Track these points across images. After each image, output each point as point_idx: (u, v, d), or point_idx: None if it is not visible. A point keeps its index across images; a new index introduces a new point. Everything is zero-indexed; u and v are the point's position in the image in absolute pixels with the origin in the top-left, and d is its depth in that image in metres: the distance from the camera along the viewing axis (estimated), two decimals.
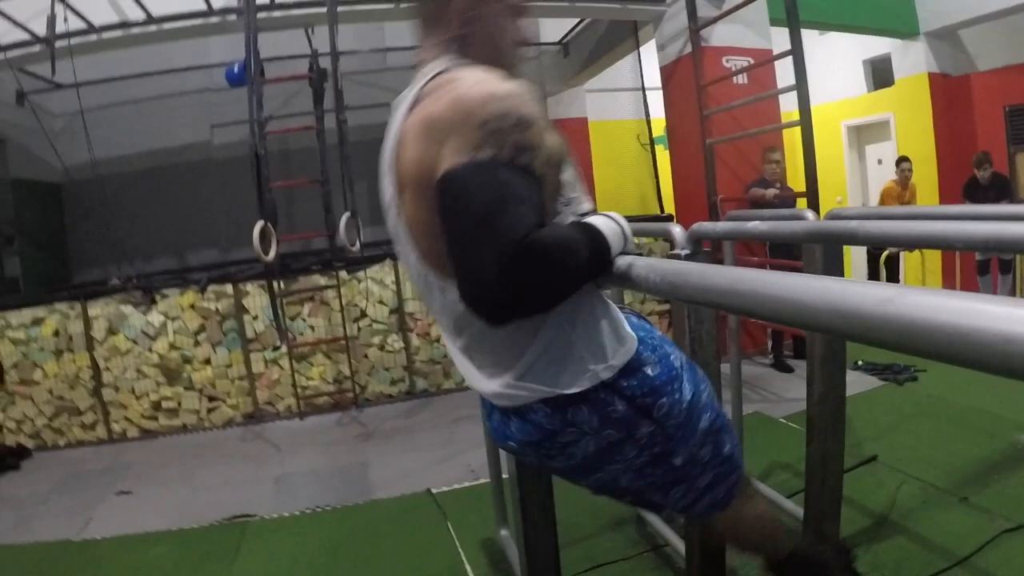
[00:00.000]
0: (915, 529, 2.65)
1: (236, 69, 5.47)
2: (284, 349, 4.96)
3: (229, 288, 4.98)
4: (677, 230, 1.92)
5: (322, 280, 5.12)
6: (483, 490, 3.43)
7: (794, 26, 4.22)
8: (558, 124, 6.74)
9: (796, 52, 4.28)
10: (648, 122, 7.52)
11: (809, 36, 6.57)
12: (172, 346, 4.92)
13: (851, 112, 8.23)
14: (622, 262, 1.05)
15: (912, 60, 7.12)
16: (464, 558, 2.79)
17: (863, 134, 8.48)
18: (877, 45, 7.48)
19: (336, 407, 5.12)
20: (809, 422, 2.49)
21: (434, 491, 3.45)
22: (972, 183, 6.08)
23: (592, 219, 1.07)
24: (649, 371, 1.18)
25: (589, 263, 0.99)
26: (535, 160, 0.97)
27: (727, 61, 5.29)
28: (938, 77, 6.99)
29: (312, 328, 5.12)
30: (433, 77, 1.07)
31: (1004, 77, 6.68)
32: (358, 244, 4.67)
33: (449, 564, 2.76)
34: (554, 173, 1.04)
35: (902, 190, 6.34)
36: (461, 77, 1.03)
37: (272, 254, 4.17)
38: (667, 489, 1.26)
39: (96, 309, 4.83)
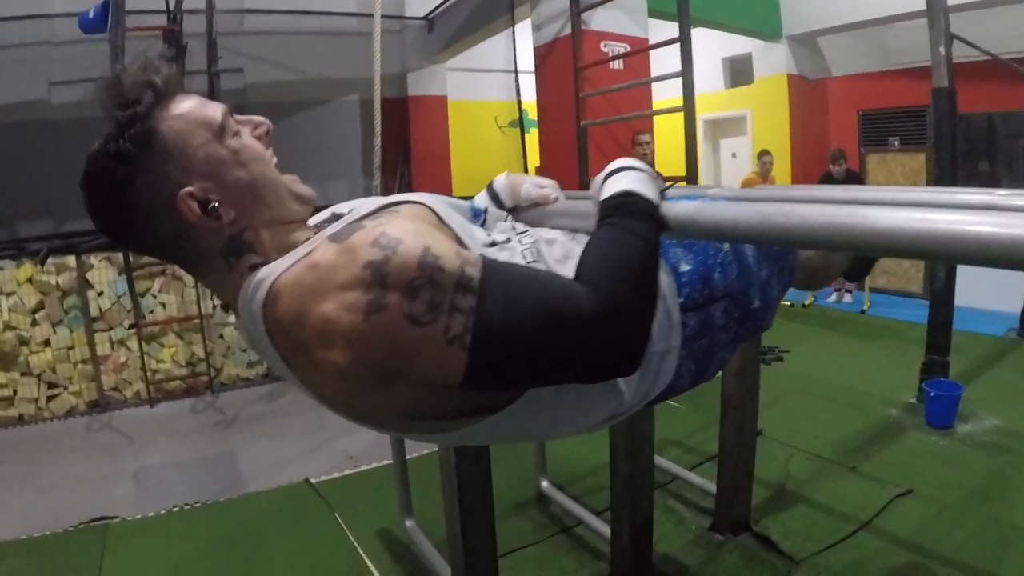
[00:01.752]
0: (815, 497, 2.74)
1: (92, 14, 4.82)
2: (131, 329, 4.44)
3: (72, 260, 4.38)
4: None
5: None
6: (366, 478, 3.23)
7: (684, 14, 4.29)
8: (414, 102, 6.49)
9: (684, 40, 4.35)
10: (519, 103, 7.51)
11: (672, 30, 6.80)
12: (7, 326, 4.25)
13: (708, 107, 8.61)
14: (678, 212, 0.90)
15: (773, 61, 7.53)
16: (362, 552, 2.56)
17: (719, 128, 8.92)
18: (738, 45, 7.84)
19: (189, 392, 4.67)
20: (724, 398, 2.49)
21: (313, 481, 3.19)
22: (827, 178, 6.50)
23: (617, 185, 0.89)
24: (684, 267, 1.05)
25: (649, 243, 0.83)
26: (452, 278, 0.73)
27: (605, 46, 5.32)
28: (796, 78, 7.44)
29: (163, 305, 4.62)
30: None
31: (858, 83, 7.23)
32: None
33: (346, 560, 2.52)
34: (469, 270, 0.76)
35: (763, 181, 6.67)
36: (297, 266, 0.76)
37: None
38: (760, 315, 1.17)
39: None
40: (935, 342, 3.69)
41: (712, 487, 2.61)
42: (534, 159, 6.55)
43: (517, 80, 7.55)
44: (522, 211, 1.13)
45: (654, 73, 5.17)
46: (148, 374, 4.52)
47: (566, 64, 5.19)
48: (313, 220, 0.96)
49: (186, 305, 4.64)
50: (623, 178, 0.90)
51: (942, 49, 3.24)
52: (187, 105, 0.81)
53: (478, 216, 0.99)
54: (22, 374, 4.30)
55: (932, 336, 3.71)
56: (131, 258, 4.27)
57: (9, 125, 6.31)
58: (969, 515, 2.54)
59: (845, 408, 3.71)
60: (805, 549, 2.36)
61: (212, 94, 4.28)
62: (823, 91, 7.55)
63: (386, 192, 3.72)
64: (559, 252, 0.97)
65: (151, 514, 2.94)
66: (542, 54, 5.65)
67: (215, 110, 0.83)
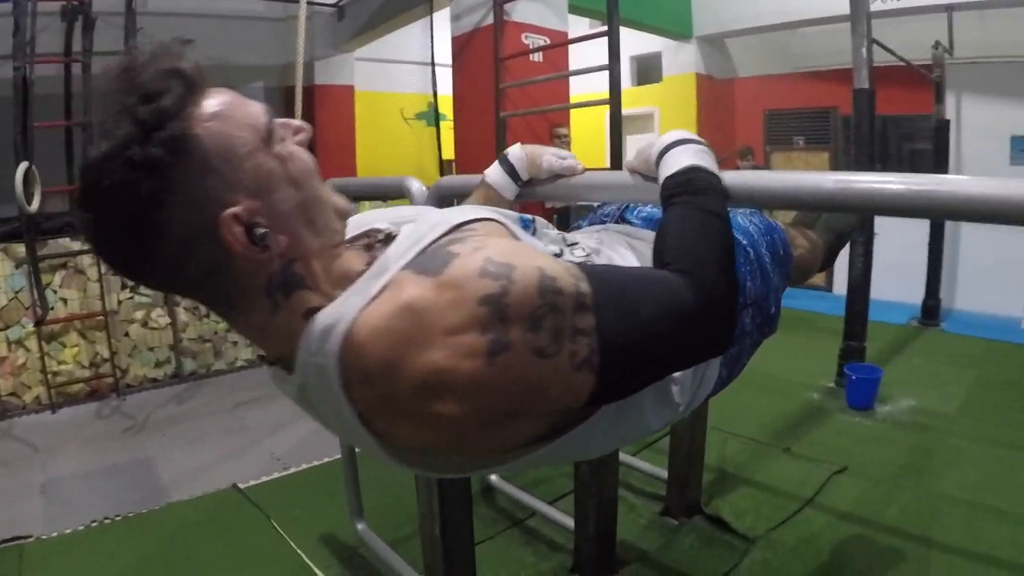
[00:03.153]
0: (756, 479, 2.83)
1: None
2: (31, 327, 4.06)
3: None
4: (415, 185, 1.71)
5: (76, 244, 4.28)
6: (298, 481, 3.09)
7: (614, 10, 4.33)
8: (320, 90, 6.27)
9: (613, 33, 4.38)
10: (435, 94, 7.46)
11: (583, 26, 6.89)
12: None
13: None
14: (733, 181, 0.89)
15: (682, 60, 7.77)
16: (307, 559, 2.42)
17: (626, 124, 9.12)
18: (647, 44, 8.04)
19: (93, 395, 4.33)
20: None
21: (242, 486, 3.00)
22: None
23: (679, 160, 0.85)
24: None
25: (723, 219, 0.80)
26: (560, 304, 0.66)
27: (526, 38, 5.34)
28: (705, 78, 7.70)
29: (64, 301, 4.26)
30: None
31: (764, 84, 7.58)
32: None
33: (291, 569, 2.38)
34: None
35: None
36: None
37: (35, 204, 3.38)
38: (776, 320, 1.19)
39: None
40: (852, 329, 3.88)
41: (661, 472, 2.63)
42: (448, 152, 6.51)
43: (434, 72, 7.47)
44: (540, 184, 1.08)
45: (572, 68, 5.22)
46: (49, 376, 4.14)
47: (485, 55, 5.15)
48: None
49: (89, 301, 4.29)
50: (684, 152, 0.87)
51: (864, 52, 3.40)
52: (226, 102, 0.65)
53: (527, 226, 0.88)
54: None
55: (849, 323, 3.90)
56: (35, 249, 3.90)
57: None
58: (901, 488, 2.69)
59: (771, 394, 3.85)
60: (757, 528, 2.43)
61: None
62: (731, 91, 7.85)
63: None
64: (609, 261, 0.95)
65: (68, 531, 2.67)
66: (461, 43, 5.59)
67: (258, 109, 0.68)
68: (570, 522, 2.26)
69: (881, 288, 5.27)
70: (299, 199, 0.67)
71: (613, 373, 0.66)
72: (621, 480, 2.84)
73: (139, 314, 4.54)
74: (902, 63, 4.89)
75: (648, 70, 8.51)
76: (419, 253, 0.67)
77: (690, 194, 0.81)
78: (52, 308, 4.16)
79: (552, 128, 5.20)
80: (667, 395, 0.90)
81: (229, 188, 0.62)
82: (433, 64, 7.51)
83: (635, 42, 8.05)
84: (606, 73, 4.24)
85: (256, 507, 2.82)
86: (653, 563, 2.30)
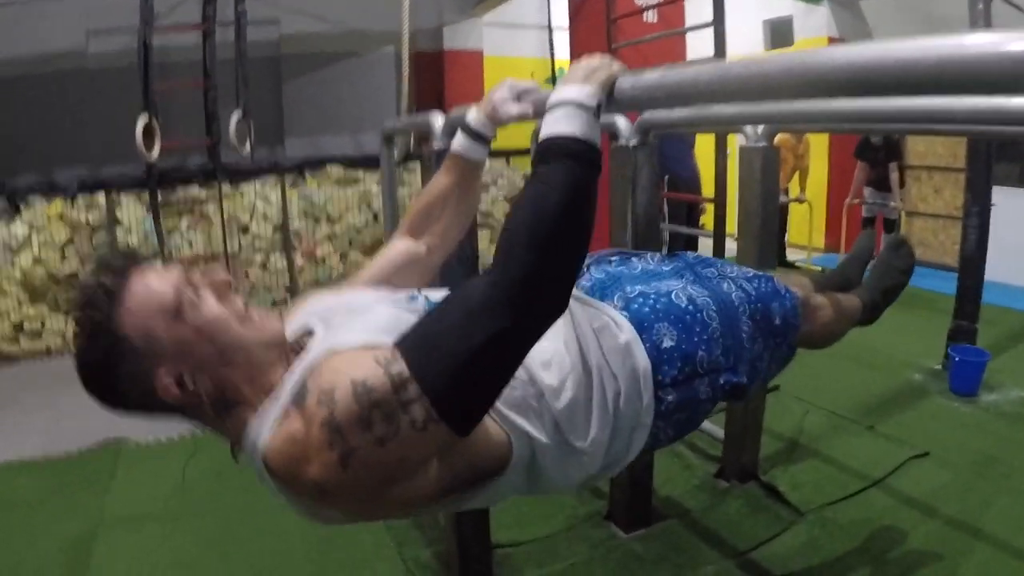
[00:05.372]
0: (827, 453, 2.70)
1: None
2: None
3: (101, 198, 4.45)
4: (623, 121, 1.77)
5: (203, 192, 4.69)
6: None
7: None
8: (450, 56, 6.38)
9: None
10: (552, 60, 7.43)
11: None
12: (36, 261, 4.34)
13: None
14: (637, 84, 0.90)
15: (814, 23, 7.32)
16: None
17: None
18: (779, 7, 7.63)
19: None
20: None
21: None
22: (864, 143, 6.30)
23: (547, 126, 0.88)
24: (667, 343, 1.05)
25: (563, 188, 0.82)
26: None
27: None
28: (838, 41, 7.20)
29: (191, 243, 4.69)
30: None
31: None
32: (248, 147, 4.38)
33: None
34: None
35: (796, 142, 6.51)
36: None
37: (156, 153, 3.74)
38: (744, 390, 1.17)
39: None
40: (963, 307, 3.58)
41: (720, 433, 2.58)
42: None
43: (551, 36, 7.45)
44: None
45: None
46: None
47: (599, 16, 5.11)
48: (292, 324, 0.98)
49: (213, 243, 4.71)
50: (551, 117, 0.89)
51: (980, 6, 3.10)
52: (139, 294, 0.83)
53: (415, 299, 1.01)
54: (51, 309, 4.41)
55: (960, 301, 3.60)
56: (158, 197, 4.33)
57: (50, 74, 6.37)
58: (984, 481, 2.48)
59: (868, 369, 3.63)
60: (812, 501, 2.34)
61: (239, 41, 4.27)
62: None
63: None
64: None
65: (163, 439, 3.03)
66: (575, 6, 5.58)
67: (166, 287, 0.84)
68: None
69: (1010, 272, 4.82)
70: (215, 351, 0.85)
71: (456, 410, 0.77)
72: (684, 439, 2.82)
73: (258, 257, 4.91)
74: None
75: (781, 34, 8.08)
76: (299, 383, 0.81)
77: (537, 168, 0.86)
78: (179, 249, 4.60)
79: None
80: (572, 456, 0.96)
81: (156, 360, 0.82)
82: (550, 27, 7.49)
83: (767, 5, 7.70)
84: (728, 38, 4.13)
85: None
86: (691, 521, 2.28)
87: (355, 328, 0.88)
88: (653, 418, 1.03)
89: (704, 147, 5.01)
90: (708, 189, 4.52)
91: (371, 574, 2.11)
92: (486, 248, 5.26)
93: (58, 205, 4.39)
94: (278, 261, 4.98)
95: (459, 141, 1.15)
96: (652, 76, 0.88)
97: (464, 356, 0.75)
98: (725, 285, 1.19)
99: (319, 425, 0.75)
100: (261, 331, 0.89)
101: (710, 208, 4.36)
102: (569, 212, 0.80)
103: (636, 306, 1.08)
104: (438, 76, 7.97)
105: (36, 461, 2.88)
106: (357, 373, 0.76)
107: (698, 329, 1.08)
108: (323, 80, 7.07)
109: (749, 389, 1.17)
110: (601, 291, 1.15)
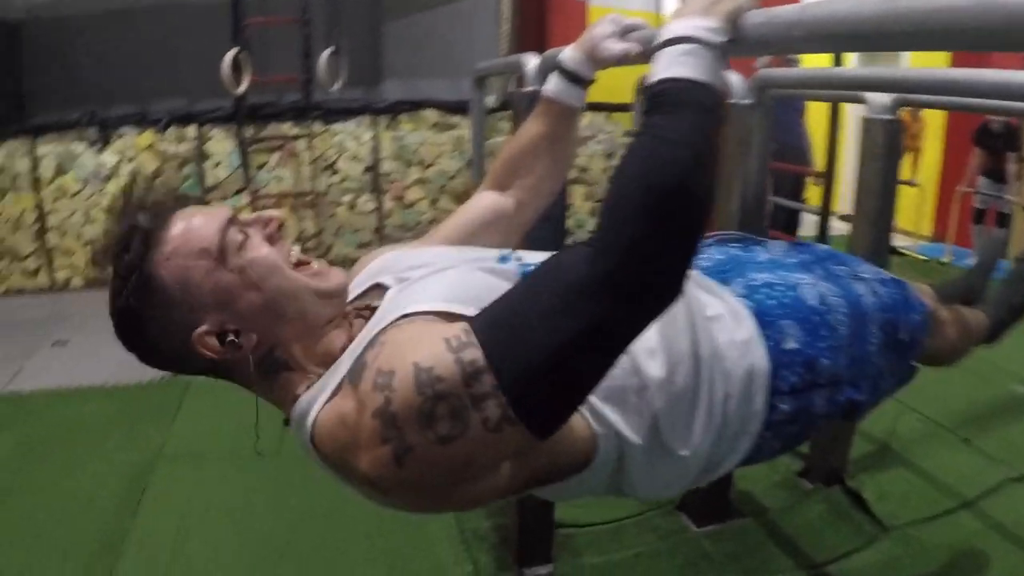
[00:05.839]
0: (919, 463, 2.50)
1: None
2: (244, 200, 4.57)
3: (192, 131, 4.55)
4: (735, 77, 1.60)
5: (293, 130, 4.71)
6: None
7: None
8: (554, 4, 6.19)
9: None
10: (661, 15, 7.10)
11: None
12: (125, 190, 4.47)
13: None
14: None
15: None
16: None
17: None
18: None
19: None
20: None
21: None
22: (984, 129, 5.86)
23: (660, 67, 0.71)
24: (790, 344, 0.91)
25: (680, 144, 0.65)
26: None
27: None
28: None
29: (278, 180, 4.74)
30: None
31: None
32: (339, 84, 4.34)
33: None
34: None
35: (912, 121, 6.17)
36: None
37: (243, 87, 3.74)
38: (862, 409, 1.04)
39: (46, 147, 4.35)
40: None
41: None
42: None
43: None
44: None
45: None
46: None
47: None
48: (356, 284, 0.89)
49: (301, 181, 4.73)
50: (663, 60, 0.71)
51: None
52: (178, 235, 0.75)
53: (506, 260, 0.87)
54: None
55: None
56: (245, 131, 4.36)
57: (147, 8, 6.52)
58: None
59: (968, 375, 3.29)
60: (898, 516, 2.15)
61: None
62: None
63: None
64: None
65: None
66: None
67: (210, 229, 0.75)
68: None
69: None
70: (263, 299, 0.76)
71: (538, 411, 0.65)
72: None
73: (347, 198, 4.92)
74: None
75: None
76: (358, 357, 0.72)
77: (649, 119, 0.69)
78: (266, 185, 4.65)
79: None
80: (665, 461, 0.84)
81: (193, 311, 0.74)
82: None
83: None
84: None
85: None
86: (767, 522, 2.14)
87: (433, 289, 0.76)
88: (761, 427, 0.89)
89: (814, 116, 4.69)
90: (817, 162, 4.22)
91: (426, 538, 2.07)
92: (579, 205, 5.12)
93: (149, 136, 4.48)
94: (367, 203, 4.98)
95: (553, 83, 1.00)
96: (790, 10, 0.69)
97: (553, 348, 0.63)
98: (858, 287, 1.03)
99: (372, 413, 0.65)
100: (318, 279, 0.80)
101: (810, 182, 4.09)
102: (690, 173, 0.64)
103: (761, 296, 0.94)
104: (540, 24, 7.79)
105: (106, 388, 2.98)
106: (422, 356, 0.65)
107: (825, 333, 0.93)
108: (425, 22, 6.97)
109: (866, 409, 1.02)
110: (721, 274, 1.00)
